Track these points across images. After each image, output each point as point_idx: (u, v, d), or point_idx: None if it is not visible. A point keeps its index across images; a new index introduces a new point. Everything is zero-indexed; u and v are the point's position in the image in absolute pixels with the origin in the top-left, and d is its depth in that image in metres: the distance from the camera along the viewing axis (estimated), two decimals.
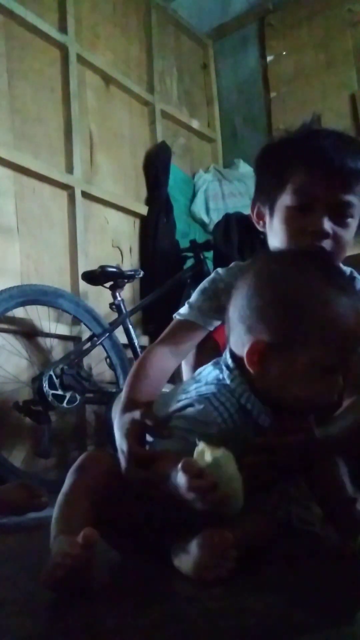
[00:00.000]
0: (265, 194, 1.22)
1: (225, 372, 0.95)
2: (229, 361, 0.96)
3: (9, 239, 2.59)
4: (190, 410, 0.93)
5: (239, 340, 0.95)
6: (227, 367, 0.95)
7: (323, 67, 3.54)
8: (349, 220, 1.14)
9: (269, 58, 3.79)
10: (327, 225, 1.12)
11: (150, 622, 0.68)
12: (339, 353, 0.89)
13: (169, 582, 0.83)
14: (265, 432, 0.91)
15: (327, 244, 1.12)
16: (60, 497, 0.91)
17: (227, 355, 0.97)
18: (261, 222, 1.25)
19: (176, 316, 1.29)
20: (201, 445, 0.81)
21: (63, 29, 3.00)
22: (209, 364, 1.01)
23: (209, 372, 0.99)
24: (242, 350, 0.92)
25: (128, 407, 1.03)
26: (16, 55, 2.77)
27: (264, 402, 0.93)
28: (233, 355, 0.96)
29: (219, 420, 0.90)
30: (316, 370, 0.89)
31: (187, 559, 0.83)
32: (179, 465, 0.78)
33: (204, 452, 0.79)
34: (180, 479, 0.79)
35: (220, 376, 0.95)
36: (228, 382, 0.94)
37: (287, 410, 0.93)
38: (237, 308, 0.96)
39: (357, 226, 1.18)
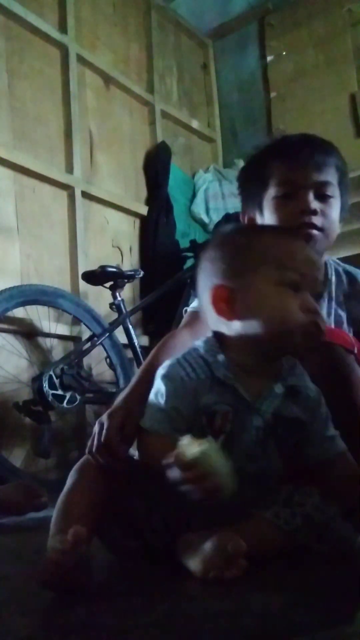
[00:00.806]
0: (251, 199, 1.34)
1: (201, 341, 1.01)
2: (209, 334, 1.02)
3: (9, 239, 2.59)
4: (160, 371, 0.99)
5: (204, 303, 1.00)
6: (205, 338, 1.01)
7: (323, 67, 3.54)
8: (331, 199, 1.27)
9: (269, 58, 3.79)
10: (314, 204, 1.24)
11: (151, 622, 0.68)
12: (293, 269, 0.94)
13: (169, 582, 0.83)
14: (223, 384, 0.95)
15: (317, 220, 1.24)
16: (60, 497, 0.92)
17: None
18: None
19: (187, 309, 1.35)
20: (186, 439, 0.83)
21: (63, 29, 3.00)
22: None
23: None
24: (211, 310, 0.98)
25: (138, 384, 1.09)
26: (16, 55, 2.77)
27: (246, 366, 0.96)
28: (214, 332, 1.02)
29: (182, 373, 0.95)
30: (277, 289, 0.93)
31: (195, 557, 0.83)
32: (171, 460, 0.81)
33: (190, 445, 0.82)
34: (174, 472, 0.82)
35: (196, 345, 1.01)
36: (201, 345, 0.99)
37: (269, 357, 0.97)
38: (199, 280, 1.03)
39: (342, 212, 1.31)
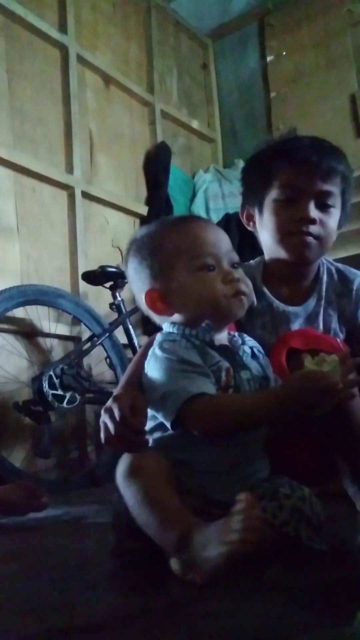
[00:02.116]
0: (253, 195, 1.33)
1: (168, 328, 1.06)
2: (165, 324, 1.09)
3: (9, 239, 2.59)
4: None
5: (144, 307, 1.07)
6: (169, 325, 1.07)
7: (323, 67, 3.54)
8: (332, 209, 1.27)
9: (269, 58, 3.79)
10: (314, 212, 1.24)
11: (151, 622, 0.68)
12: (203, 254, 1.03)
13: (170, 582, 0.83)
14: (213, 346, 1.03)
15: (314, 229, 1.24)
16: (138, 502, 0.88)
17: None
18: (251, 222, 1.37)
19: None
20: (308, 362, 0.95)
21: (63, 29, 3.00)
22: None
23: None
24: (152, 312, 1.07)
25: (137, 369, 1.11)
26: (16, 55, 2.77)
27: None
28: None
29: (182, 344, 1.00)
30: (195, 275, 1.02)
31: (174, 560, 0.85)
32: (313, 380, 0.91)
33: (314, 362, 0.95)
34: (317, 389, 0.90)
35: (166, 331, 1.06)
36: (172, 330, 1.05)
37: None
38: (133, 288, 1.11)
39: (342, 218, 1.31)
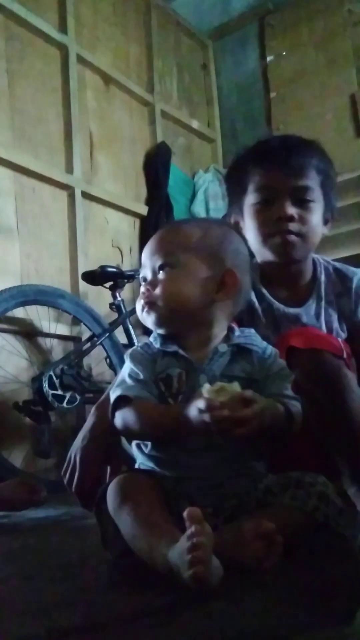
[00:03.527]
0: (234, 203, 1.35)
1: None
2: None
3: (9, 239, 2.59)
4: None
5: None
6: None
7: (323, 67, 3.54)
8: (311, 204, 1.25)
9: (269, 58, 3.79)
10: (291, 209, 1.23)
11: (151, 622, 0.68)
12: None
13: (169, 582, 0.83)
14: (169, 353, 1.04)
15: (294, 227, 1.24)
16: (129, 528, 0.88)
17: None
18: (239, 229, 1.36)
19: None
20: (205, 388, 0.90)
21: (63, 29, 3.00)
22: None
23: None
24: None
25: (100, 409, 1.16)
26: (16, 55, 2.77)
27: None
28: None
29: (141, 350, 1.06)
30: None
31: None
32: (201, 406, 0.87)
33: (212, 390, 0.90)
34: (205, 416, 0.87)
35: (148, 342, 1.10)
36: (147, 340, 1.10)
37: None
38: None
39: (326, 210, 1.30)
